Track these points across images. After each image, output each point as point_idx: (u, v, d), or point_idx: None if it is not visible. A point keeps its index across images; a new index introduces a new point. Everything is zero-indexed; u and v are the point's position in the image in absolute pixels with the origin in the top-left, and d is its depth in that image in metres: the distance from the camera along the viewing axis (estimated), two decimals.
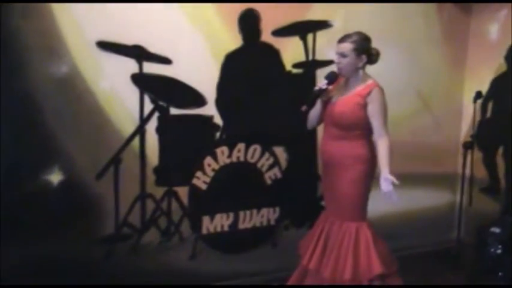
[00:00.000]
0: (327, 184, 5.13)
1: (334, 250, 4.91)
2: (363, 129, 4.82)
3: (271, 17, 5.92)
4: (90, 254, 5.45)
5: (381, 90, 4.80)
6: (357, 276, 4.78)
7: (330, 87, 4.98)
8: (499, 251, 6.02)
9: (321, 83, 4.94)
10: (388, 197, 4.61)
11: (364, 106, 4.77)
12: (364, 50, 4.82)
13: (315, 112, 5.08)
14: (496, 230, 6.14)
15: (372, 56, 4.89)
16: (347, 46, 4.79)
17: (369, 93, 4.76)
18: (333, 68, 6.17)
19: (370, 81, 4.82)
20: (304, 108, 4.93)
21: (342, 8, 6.23)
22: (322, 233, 5.08)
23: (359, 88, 4.82)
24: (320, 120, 5.12)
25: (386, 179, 4.59)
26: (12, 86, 4.98)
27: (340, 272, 4.82)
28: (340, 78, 4.99)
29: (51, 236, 5.23)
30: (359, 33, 4.85)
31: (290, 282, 5.25)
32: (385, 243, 4.97)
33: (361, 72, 4.87)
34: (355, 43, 4.78)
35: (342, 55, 4.82)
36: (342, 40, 4.85)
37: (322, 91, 4.94)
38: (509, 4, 6.52)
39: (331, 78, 4.95)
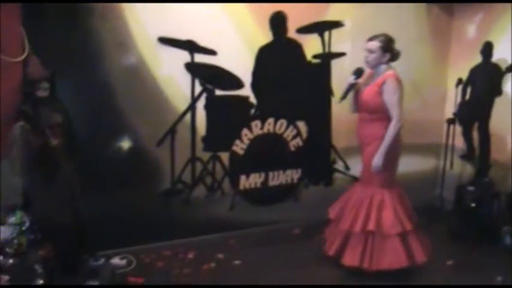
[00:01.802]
0: (361, 158, 5.04)
1: (354, 208, 4.91)
2: (382, 113, 4.72)
3: (296, 18, 5.86)
4: (152, 204, 5.48)
5: (396, 80, 4.68)
6: (364, 229, 4.79)
7: (358, 81, 4.89)
8: (473, 205, 5.97)
9: (350, 78, 4.88)
10: (372, 168, 4.76)
11: (380, 93, 4.68)
12: (389, 48, 4.74)
13: (352, 101, 5.02)
14: (471, 188, 6.09)
15: (394, 55, 4.80)
16: (375, 44, 4.72)
17: (383, 83, 4.67)
18: (343, 59, 6.21)
19: (387, 73, 4.72)
20: (339, 100, 4.96)
21: (351, 11, 6.15)
22: (350, 196, 5.09)
23: (378, 79, 4.73)
24: (357, 107, 4.99)
25: (376, 163, 4.73)
26: (91, 74, 5.01)
27: (352, 225, 4.86)
28: (370, 72, 4.90)
29: (122, 191, 5.26)
30: (385, 35, 4.77)
31: (327, 232, 5.28)
32: (406, 204, 4.98)
33: (384, 66, 4.76)
34: (382, 42, 4.71)
35: (370, 51, 4.74)
36: (371, 39, 4.76)
37: (352, 85, 4.89)
38: (484, 9, 6.42)
39: (358, 73, 4.88)
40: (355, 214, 4.87)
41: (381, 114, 4.73)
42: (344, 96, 4.92)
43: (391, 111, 4.67)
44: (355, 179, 6.52)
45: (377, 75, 4.79)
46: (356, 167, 6.51)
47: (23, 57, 4.46)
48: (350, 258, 4.86)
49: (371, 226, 4.75)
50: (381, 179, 4.84)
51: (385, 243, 4.77)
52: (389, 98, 4.66)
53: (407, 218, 4.84)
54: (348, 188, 5.29)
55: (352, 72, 4.90)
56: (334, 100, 6.24)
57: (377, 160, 4.73)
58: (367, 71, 4.92)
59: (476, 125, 6.62)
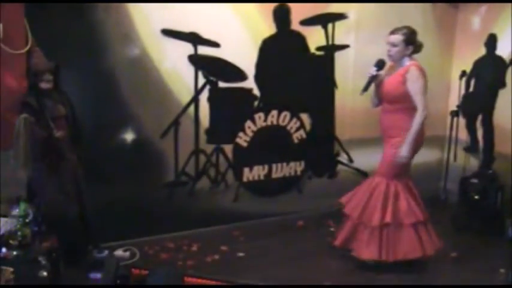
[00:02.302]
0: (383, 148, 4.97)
1: (365, 197, 4.87)
2: (405, 103, 4.62)
3: (300, 10, 5.84)
4: (156, 196, 5.48)
5: (419, 69, 4.60)
6: (381, 222, 4.73)
7: (380, 72, 4.77)
8: (476, 197, 5.97)
9: (372, 69, 4.74)
10: (399, 159, 4.68)
11: (404, 83, 4.58)
12: (411, 41, 4.64)
13: (374, 94, 4.89)
14: (475, 180, 6.08)
15: (417, 47, 4.71)
16: (398, 37, 4.61)
17: (407, 71, 4.58)
18: (347, 51, 6.19)
19: (410, 62, 4.64)
20: (361, 92, 4.80)
21: (355, 3, 6.13)
22: (365, 186, 4.99)
23: (401, 69, 4.66)
24: (380, 99, 4.87)
25: (403, 153, 4.66)
26: (97, 66, 5.01)
27: (368, 217, 4.80)
28: (392, 64, 4.79)
29: (126, 182, 5.26)
30: (408, 27, 4.67)
31: (344, 229, 5.08)
32: (417, 194, 4.94)
33: (407, 58, 4.66)
34: (404, 35, 4.60)
35: (393, 45, 4.62)
36: (393, 32, 4.66)
37: (374, 77, 4.76)
38: (490, 1, 6.41)
39: (379, 65, 4.74)
40: (373, 207, 4.79)
41: (404, 104, 4.64)
42: (366, 88, 4.79)
43: (415, 100, 4.57)
44: (358, 171, 6.55)
45: (400, 67, 4.69)
46: (359, 160, 6.55)
47: (26, 49, 4.45)
48: (368, 252, 4.80)
49: (388, 218, 4.72)
50: (399, 169, 4.79)
51: (400, 233, 4.76)
52: (413, 86, 4.57)
53: (419, 208, 4.83)
54: (362, 182, 5.18)
55: (374, 64, 4.77)
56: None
57: (404, 151, 4.65)
58: (389, 62, 4.81)
59: (480, 117, 6.61)
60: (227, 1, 5.44)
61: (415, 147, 4.74)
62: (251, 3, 5.58)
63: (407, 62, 4.65)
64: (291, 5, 5.77)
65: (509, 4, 6.07)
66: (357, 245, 4.92)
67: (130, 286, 4.36)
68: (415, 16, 6.44)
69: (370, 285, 4.80)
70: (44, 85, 4.36)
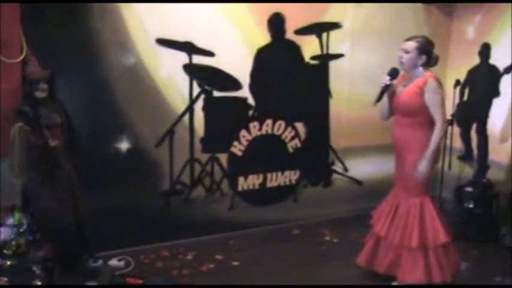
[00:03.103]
0: (397, 164, 4.75)
1: (402, 221, 4.60)
2: (423, 116, 4.40)
3: (294, 19, 5.87)
4: (151, 205, 5.47)
5: (437, 80, 4.39)
6: (423, 243, 4.51)
7: (394, 81, 4.56)
8: (471, 206, 5.99)
9: (385, 79, 4.52)
10: (417, 176, 4.46)
11: (422, 95, 4.35)
12: (426, 51, 4.42)
13: (385, 105, 4.70)
14: (470, 189, 6.11)
15: (432, 59, 4.50)
16: (411, 44, 4.42)
17: (425, 83, 4.34)
18: (342, 60, 6.21)
19: (427, 73, 4.41)
20: (373, 103, 4.55)
21: (349, 11, 6.18)
22: (392, 206, 4.74)
23: (417, 80, 4.41)
24: (391, 111, 4.69)
25: (423, 170, 4.43)
26: (92, 74, 5.01)
27: (408, 240, 4.53)
28: (403, 74, 4.57)
29: (121, 191, 5.26)
30: (424, 37, 4.52)
31: (366, 248, 4.90)
32: (443, 216, 4.72)
33: (420, 68, 4.43)
34: (418, 43, 4.40)
35: (405, 51, 4.41)
36: (408, 39, 4.48)
37: (387, 86, 4.53)
38: (483, 10, 6.49)
39: (393, 74, 4.52)
40: (409, 229, 4.57)
41: (420, 117, 4.44)
42: (379, 99, 4.56)
43: (434, 113, 4.37)
44: (353, 180, 6.56)
45: (414, 77, 4.48)
46: (354, 168, 6.57)
47: (21, 58, 4.46)
48: (413, 276, 4.56)
49: (431, 240, 4.54)
50: (423, 185, 4.57)
51: (443, 252, 4.59)
52: (432, 99, 4.36)
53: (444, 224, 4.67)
54: (386, 198, 4.92)
55: (387, 73, 4.55)
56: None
57: (424, 167, 4.42)
58: (401, 72, 4.59)
59: (474, 126, 6.65)
60: (221, 1, 5.45)
61: (434, 163, 4.59)
62: (244, 3, 5.59)
63: (422, 72, 4.45)
64: (286, 14, 5.80)
65: (504, 13, 6.14)
66: (398, 268, 4.70)
67: None
68: (409, 25, 6.48)
69: (370, 285, 4.83)
70: (39, 94, 4.36)
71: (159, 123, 5.42)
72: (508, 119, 6.15)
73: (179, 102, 5.49)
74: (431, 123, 4.42)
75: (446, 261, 4.57)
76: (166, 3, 5.17)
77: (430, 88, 4.35)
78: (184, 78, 5.47)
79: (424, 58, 4.43)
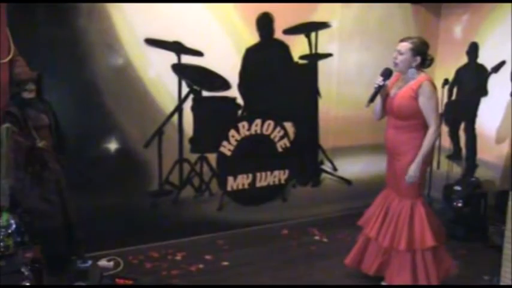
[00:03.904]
0: (389, 166, 4.68)
1: (392, 223, 4.55)
2: (417, 119, 4.34)
3: (283, 19, 5.89)
4: (140, 205, 5.47)
5: (431, 83, 4.33)
6: (411, 246, 4.46)
7: (387, 82, 4.48)
8: (460, 205, 6.01)
9: (378, 80, 4.43)
10: (408, 179, 4.40)
11: (416, 98, 4.29)
12: (420, 52, 4.36)
13: (378, 105, 4.62)
14: (458, 188, 6.12)
15: (427, 60, 4.44)
16: (405, 45, 4.35)
17: (419, 87, 4.27)
18: (330, 59, 6.23)
19: (422, 76, 4.35)
20: (366, 104, 4.45)
21: (338, 11, 6.20)
22: (383, 207, 4.69)
23: (412, 83, 4.34)
24: (384, 112, 4.63)
25: (414, 173, 4.37)
26: (80, 75, 5.00)
27: (397, 242, 4.49)
28: (397, 75, 4.52)
29: (110, 191, 5.26)
30: (419, 38, 4.48)
31: (356, 249, 4.88)
32: (436, 217, 4.65)
33: (414, 70, 4.36)
34: (413, 44, 4.34)
35: (399, 52, 4.35)
36: (403, 40, 4.42)
37: (380, 87, 4.44)
38: (471, 10, 6.53)
39: (386, 74, 4.44)
40: (399, 231, 4.54)
41: (414, 120, 4.38)
42: (372, 100, 4.46)
43: (428, 117, 4.32)
44: (342, 180, 6.58)
45: (408, 79, 4.42)
46: (343, 168, 6.60)
47: (8, 58, 4.44)
48: (400, 279, 4.56)
49: (418, 244, 4.49)
50: (415, 188, 4.50)
51: (432, 256, 4.54)
52: (426, 102, 4.30)
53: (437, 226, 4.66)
54: (376, 199, 4.88)
55: (380, 73, 4.47)
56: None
57: (414, 170, 4.36)
58: (394, 73, 4.52)
59: (462, 125, 6.69)
60: (209, 1, 5.46)
61: (425, 167, 4.54)
62: (233, 3, 5.60)
63: (416, 75, 4.38)
64: (275, 14, 5.81)
65: (491, 12, 6.20)
66: (386, 270, 4.71)
67: None
68: (398, 25, 6.52)
69: (368, 285, 4.82)
70: (27, 95, 4.35)
71: (148, 123, 5.42)
72: (495, 117, 6.21)
73: (168, 102, 5.48)
74: (424, 126, 4.38)
75: (435, 266, 4.54)
76: (154, 3, 5.17)
77: (424, 92, 4.29)
78: (173, 78, 5.47)
79: (418, 59, 4.38)
